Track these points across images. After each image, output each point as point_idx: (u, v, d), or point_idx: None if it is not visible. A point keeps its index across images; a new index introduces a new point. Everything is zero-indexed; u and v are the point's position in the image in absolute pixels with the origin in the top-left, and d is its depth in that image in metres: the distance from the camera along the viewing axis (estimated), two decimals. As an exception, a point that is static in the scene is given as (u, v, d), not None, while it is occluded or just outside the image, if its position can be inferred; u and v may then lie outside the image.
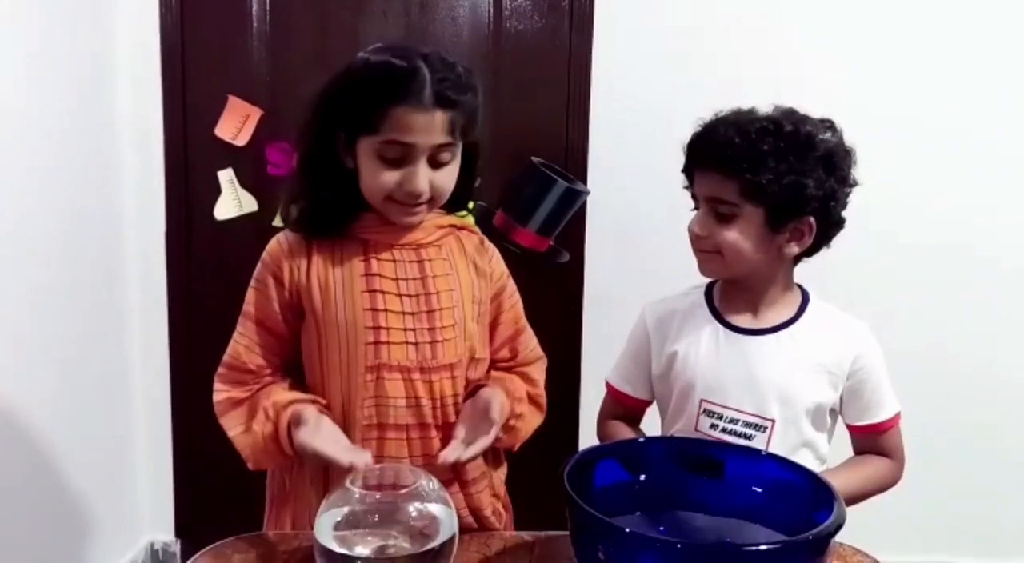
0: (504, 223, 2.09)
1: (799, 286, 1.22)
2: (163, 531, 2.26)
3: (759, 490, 0.92)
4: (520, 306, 1.24)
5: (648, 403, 1.30)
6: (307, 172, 1.10)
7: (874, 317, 1.23)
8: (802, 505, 0.85)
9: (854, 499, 1.11)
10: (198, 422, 2.13)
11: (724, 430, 1.15)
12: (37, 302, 1.75)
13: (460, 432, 1.08)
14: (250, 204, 2.11)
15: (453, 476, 1.12)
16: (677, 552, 0.76)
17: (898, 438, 1.20)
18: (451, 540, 0.89)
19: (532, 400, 1.22)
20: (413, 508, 0.90)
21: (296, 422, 1.03)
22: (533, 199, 2.07)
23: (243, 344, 1.12)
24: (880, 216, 1.91)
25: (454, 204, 1.16)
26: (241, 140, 2.08)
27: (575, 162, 2.09)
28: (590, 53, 2.05)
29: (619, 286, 2.07)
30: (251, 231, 2.07)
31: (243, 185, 2.11)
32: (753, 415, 1.14)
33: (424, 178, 1.05)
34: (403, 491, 0.90)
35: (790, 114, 1.12)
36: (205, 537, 1.09)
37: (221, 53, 2.07)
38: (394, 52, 1.05)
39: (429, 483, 0.91)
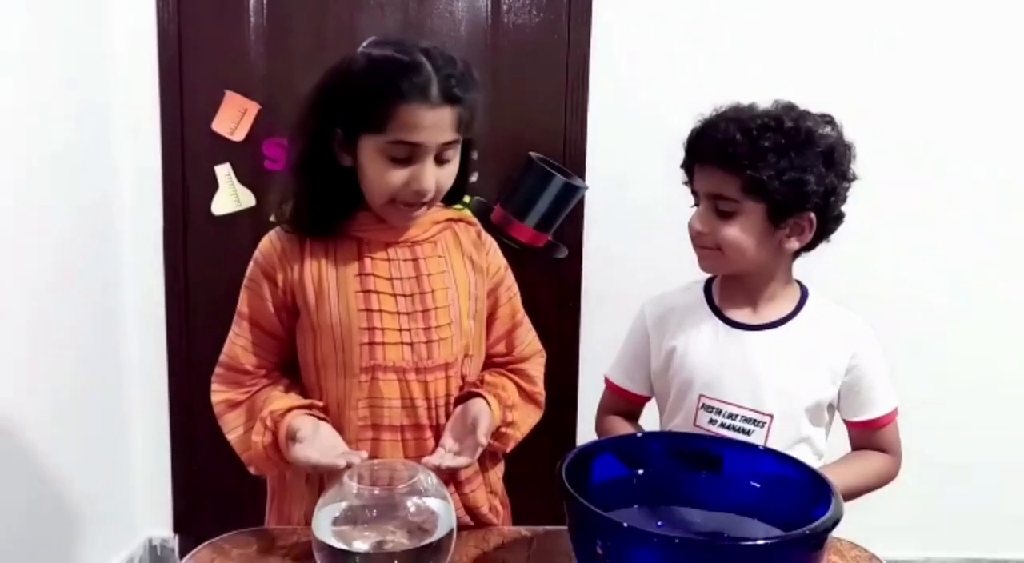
0: (502, 218, 2.09)
1: (798, 282, 1.22)
2: (161, 527, 2.26)
3: (757, 485, 0.92)
4: (518, 300, 1.23)
5: (647, 399, 1.30)
6: (303, 170, 1.07)
7: (872, 314, 1.23)
8: (800, 500, 0.85)
9: (851, 494, 1.11)
10: (196, 418, 2.13)
11: (723, 425, 1.16)
12: (34, 298, 1.74)
13: (447, 441, 1.08)
14: (247, 199, 2.11)
15: (448, 476, 1.11)
16: (675, 547, 0.76)
17: (895, 433, 1.20)
18: (449, 535, 0.89)
19: (530, 398, 1.21)
20: (411, 503, 0.90)
21: (292, 436, 1.02)
22: (531, 194, 2.07)
23: (239, 344, 1.11)
24: (879, 212, 1.91)
25: (450, 198, 1.15)
26: (238, 135, 2.08)
27: (573, 157, 2.09)
28: (588, 48, 2.05)
29: (617, 281, 2.07)
30: (248, 226, 2.07)
31: (240, 180, 2.10)
32: (751, 410, 1.15)
33: (432, 177, 1.03)
34: (401, 486, 0.90)
35: (790, 110, 1.12)
36: (203, 533, 1.09)
37: (218, 48, 2.06)
38: (395, 47, 1.02)
39: (427, 478, 0.91)
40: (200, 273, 2.14)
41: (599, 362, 1.36)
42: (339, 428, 1.09)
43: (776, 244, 1.13)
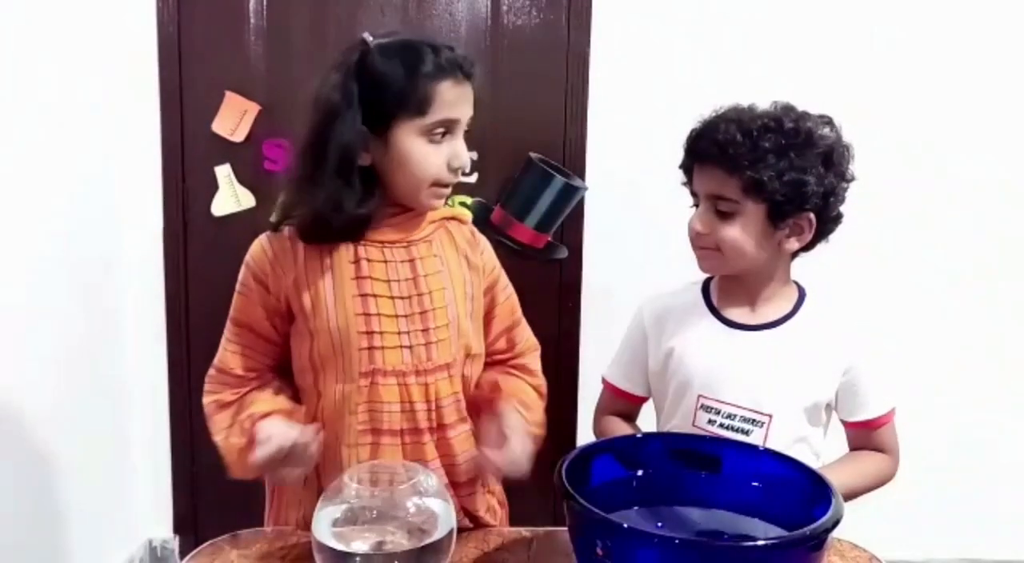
0: (502, 219, 2.09)
1: (795, 282, 1.22)
2: (162, 528, 2.26)
3: (757, 485, 0.91)
4: (515, 297, 1.23)
5: (645, 399, 1.30)
6: (326, 175, 1.01)
7: (871, 315, 1.23)
8: (800, 500, 0.85)
9: (850, 495, 1.11)
10: (196, 419, 2.11)
11: (721, 425, 1.16)
12: (35, 299, 1.74)
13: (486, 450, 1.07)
14: (248, 200, 2.11)
15: (447, 479, 1.11)
16: (675, 547, 0.76)
17: (893, 434, 1.20)
18: (449, 535, 0.89)
19: (535, 390, 1.21)
20: (411, 504, 0.89)
21: (257, 441, 1.00)
22: (531, 195, 2.07)
23: (231, 350, 1.10)
24: (878, 212, 1.91)
25: None
26: (238, 136, 2.08)
27: (573, 158, 2.09)
28: (588, 48, 2.05)
29: (617, 282, 2.07)
30: (248, 227, 2.06)
31: (240, 181, 2.10)
32: (750, 410, 1.14)
33: (466, 151, 1.06)
34: (401, 487, 0.90)
35: (790, 111, 1.12)
36: (203, 534, 1.09)
37: (218, 49, 2.07)
38: (398, 37, 1.04)
39: (427, 479, 0.91)
40: (200, 274, 2.14)
41: (599, 362, 1.36)
42: (338, 432, 1.08)
43: (775, 244, 1.13)
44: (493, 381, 1.17)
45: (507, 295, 1.22)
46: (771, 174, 1.06)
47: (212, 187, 2.11)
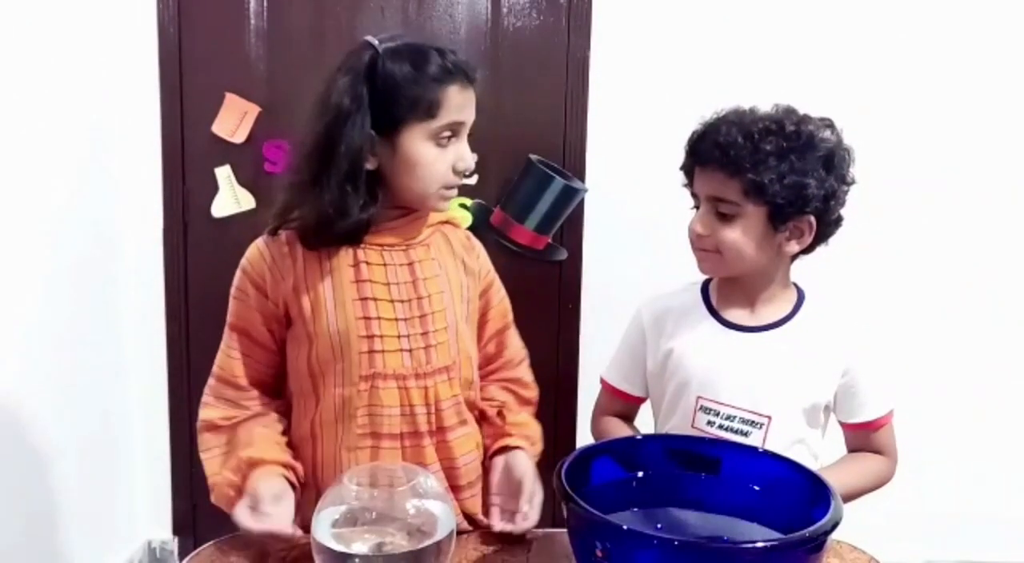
0: (502, 221, 2.09)
1: (795, 284, 1.22)
2: (161, 529, 2.25)
3: (756, 487, 0.91)
4: (507, 301, 1.23)
5: (643, 400, 1.30)
6: (332, 179, 1.01)
7: (870, 316, 1.23)
8: (799, 502, 0.85)
9: (849, 497, 1.11)
10: (195, 420, 2.11)
11: (721, 426, 1.16)
12: (34, 300, 1.74)
13: (495, 499, 1.09)
14: (248, 202, 2.11)
15: (447, 482, 1.12)
16: (674, 549, 0.76)
17: (891, 436, 1.21)
18: (449, 537, 0.89)
19: (528, 402, 1.23)
20: (411, 505, 0.89)
21: (252, 495, 1.00)
22: (531, 197, 2.07)
23: (233, 356, 1.09)
24: (878, 214, 1.91)
25: None
26: (239, 137, 2.08)
27: (573, 160, 2.09)
28: (588, 50, 2.05)
29: (617, 284, 2.07)
30: (248, 228, 2.05)
31: (240, 182, 2.10)
32: (749, 411, 1.15)
33: (471, 153, 1.07)
34: (401, 488, 0.90)
35: (791, 113, 1.12)
36: (202, 535, 1.09)
37: (218, 50, 2.07)
38: (405, 39, 1.05)
39: (426, 480, 0.91)
40: (200, 275, 2.14)
41: (599, 364, 1.36)
42: (336, 436, 1.08)
43: (775, 247, 1.13)
44: (499, 409, 1.18)
45: (500, 298, 1.22)
46: (772, 177, 1.06)
47: (212, 188, 2.11)
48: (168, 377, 2.19)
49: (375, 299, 1.07)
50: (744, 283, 1.18)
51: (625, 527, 0.76)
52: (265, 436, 1.08)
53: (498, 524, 1.06)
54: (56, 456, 1.83)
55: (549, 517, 1.06)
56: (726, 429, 1.15)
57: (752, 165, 1.07)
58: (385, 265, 1.08)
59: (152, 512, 2.23)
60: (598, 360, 1.38)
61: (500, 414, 1.18)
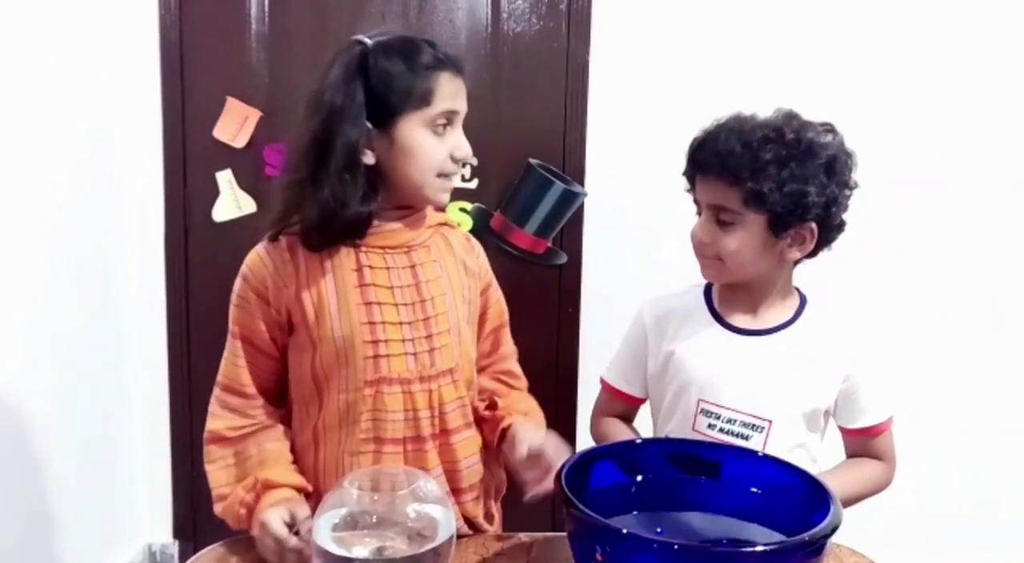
0: (502, 225, 2.10)
1: (796, 288, 1.22)
2: (161, 532, 2.25)
3: (756, 491, 0.92)
4: (503, 299, 1.25)
5: (642, 401, 1.30)
6: (331, 174, 1.01)
7: (870, 319, 1.24)
8: (799, 506, 0.85)
9: (847, 502, 1.11)
10: (196, 423, 2.12)
11: (721, 430, 1.16)
12: (36, 303, 1.74)
13: (527, 477, 1.08)
14: (249, 206, 2.11)
15: (449, 485, 1.12)
16: (674, 553, 0.76)
17: (890, 441, 1.21)
18: (449, 541, 0.89)
19: (519, 391, 1.24)
20: (411, 509, 0.90)
21: (291, 523, 1.00)
22: (531, 201, 2.08)
23: (239, 364, 1.09)
24: (880, 219, 1.91)
25: None
26: (240, 142, 2.08)
27: (573, 164, 2.09)
28: (588, 55, 2.05)
29: (617, 288, 2.07)
30: (250, 233, 2.04)
31: (242, 187, 2.11)
32: (750, 415, 1.15)
33: (467, 143, 1.08)
34: (401, 492, 0.90)
35: (791, 119, 1.11)
36: (203, 538, 1.09)
37: (220, 55, 2.07)
38: (394, 33, 1.07)
39: (427, 484, 0.91)
40: (201, 279, 2.14)
41: (599, 368, 1.36)
42: (339, 441, 1.08)
43: (777, 254, 1.13)
44: (489, 397, 1.19)
45: (497, 297, 1.23)
46: (771, 185, 1.06)
47: (213, 192, 2.11)
48: (169, 380, 2.19)
49: (379, 303, 1.07)
50: (746, 287, 1.18)
51: (625, 531, 0.76)
52: (278, 457, 1.08)
53: (529, 494, 1.05)
54: (56, 459, 1.82)
55: (549, 521, 1.06)
56: (727, 432, 1.15)
57: (751, 174, 1.06)
58: (388, 268, 1.08)
59: (152, 515, 2.23)
60: (598, 364, 1.38)
61: (491, 406, 1.18)
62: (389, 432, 1.08)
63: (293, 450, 1.12)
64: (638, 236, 2.09)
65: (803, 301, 1.21)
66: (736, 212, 1.10)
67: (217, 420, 1.10)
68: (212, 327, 1.22)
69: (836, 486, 0.87)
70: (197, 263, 2.14)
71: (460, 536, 1.01)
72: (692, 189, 1.17)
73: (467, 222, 2.09)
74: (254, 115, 2.07)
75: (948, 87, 2.04)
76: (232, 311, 1.10)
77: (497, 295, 1.23)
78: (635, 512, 0.91)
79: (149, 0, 2.02)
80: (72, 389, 1.89)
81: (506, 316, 1.25)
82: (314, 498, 1.08)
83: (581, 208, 2.10)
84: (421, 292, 1.09)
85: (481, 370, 1.23)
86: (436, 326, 1.09)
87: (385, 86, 1.02)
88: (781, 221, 1.09)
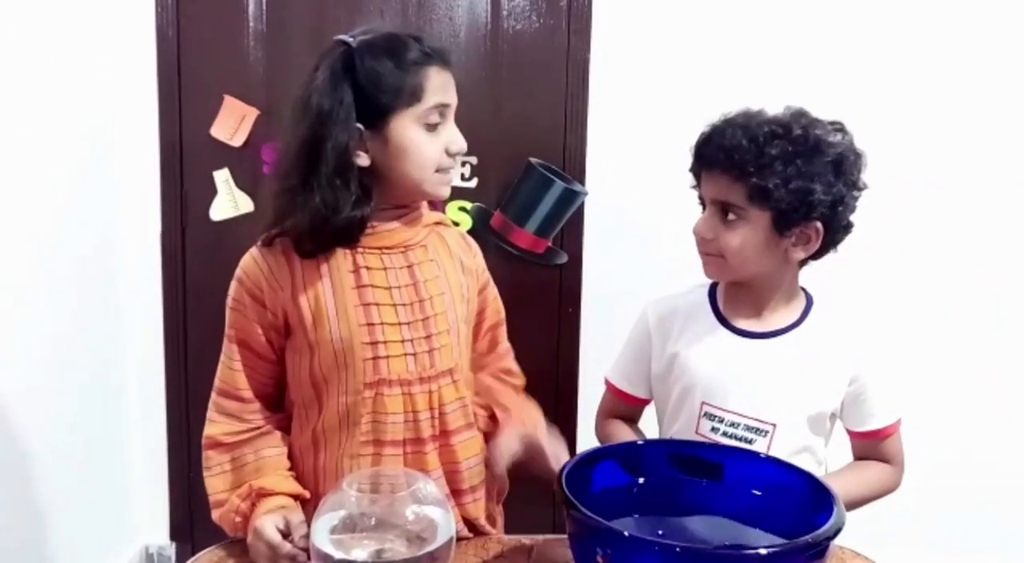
0: (502, 224, 2.09)
1: (803, 289, 1.20)
2: (158, 534, 2.25)
3: (759, 493, 0.91)
4: (499, 298, 1.24)
5: (647, 402, 1.29)
6: (323, 178, 1.00)
7: (877, 321, 1.23)
8: (802, 508, 0.84)
9: (853, 504, 1.10)
10: (193, 424, 2.12)
11: (725, 433, 1.14)
12: (32, 304, 1.74)
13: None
14: (246, 205, 2.10)
15: (449, 487, 1.11)
16: (676, 555, 0.76)
17: (898, 444, 1.19)
18: (448, 544, 0.88)
19: (517, 390, 1.24)
20: (410, 511, 0.89)
21: (285, 528, 1.00)
22: (531, 200, 2.07)
23: (235, 368, 1.08)
24: (887, 219, 1.90)
25: None
26: (237, 141, 2.08)
27: (573, 163, 2.09)
28: (588, 54, 2.05)
29: (617, 287, 2.07)
30: (247, 232, 2.04)
31: (239, 186, 2.10)
32: (754, 419, 1.13)
33: (461, 136, 1.07)
34: (400, 494, 0.89)
35: (800, 117, 1.09)
36: (200, 541, 1.09)
37: (217, 53, 2.06)
38: (378, 31, 1.05)
39: (426, 487, 0.91)
40: (198, 278, 2.14)
41: (599, 368, 1.35)
42: (339, 444, 1.07)
43: (781, 253, 1.11)
44: (488, 407, 1.18)
45: (494, 295, 1.23)
46: (777, 181, 1.04)
47: (211, 191, 2.10)
48: (166, 381, 2.18)
49: (377, 304, 1.06)
50: (751, 288, 1.16)
51: (626, 533, 0.75)
52: (275, 465, 1.08)
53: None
54: (53, 461, 1.82)
55: (550, 523, 1.06)
56: (730, 436, 1.14)
57: (757, 169, 1.05)
58: (385, 269, 1.07)
59: (149, 517, 2.23)
60: (598, 364, 1.37)
61: (491, 417, 1.17)
62: (389, 434, 1.07)
63: (292, 454, 1.11)
64: (639, 235, 2.08)
65: (809, 303, 1.19)
66: (740, 208, 1.08)
67: (214, 425, 1.09)
68: (209, 326, 1.21)
69: (840, 488, 0.86)
70: (194, 262, 2.14)
71: (460, 538, 1.00)
72: (698, 185, 1.16)
73: (467, 221, 2.08)
74: (252, 114, 2.07)
75: (956, 88, 2.03)
76: (228, 314, 1.09)
77: (494, 293, 1.23)
78: (636, 514, 0.91)
79: (146, -2, 2.02)
80: (68, 389, 1.89)
81: (503, 314, 1.25)
82: (313, 502, 1.07)
83: (581, 207, 2.09)
84: (419, 292, 1.08)
85: (480, 368, 1.22)
86: (435, 326, 1.09)
87: (374, 86, 1.01)
88: (786, 219, 1.07)
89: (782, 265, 1.14)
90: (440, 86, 1.03)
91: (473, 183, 2.08)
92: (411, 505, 0.89)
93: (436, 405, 1.09)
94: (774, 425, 1.13)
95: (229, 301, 1.09)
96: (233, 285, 1.09)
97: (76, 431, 1.92)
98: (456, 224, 1.23)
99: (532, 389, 1.27)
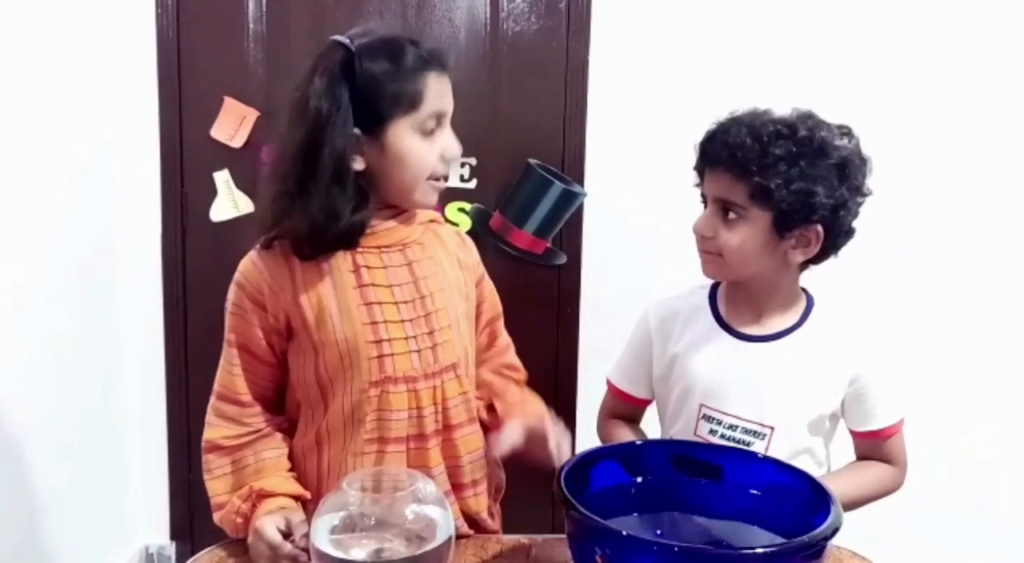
0: (501, 225, 2.09)
1: (804, 290, 1.20)
2: (158, 534, 2.25)
3: (757, 493, 0.91)
4: (495, 292, 1.24)
5: (648, 402, 1.29)
6: (320, 183, 0.99)
7: (879, 320, 1.22)
8: (800, 508, 0.84)
9: (854, 504, 1.10)
10: (193, 424, 2.12)
11: (723, 436, 1.14)
12: (33, 303, 1.74)
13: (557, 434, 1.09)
14: (246, 206, 2.10)
15: (450, 481, 1.11)
16: (674, 555, 0.76)
17: (901, 444, 1.18)
18: (447, 543, 0.89)
19: (520, 385, 1.24)
20: (410, 511, 0.89)
21: (287, 528, 1.00)
22: (530, 201, 2.07)
23: (235, 372, 1.08)
24: (890, 220, 1.90)
25: None
26: (237, 142, 2.08)
27: (572, 164, 2.09)
28: (587, 55, 2.05)
29: (616, 288, 2.07)
30: (247, 233, 2.06)
31: (239, 187, 2.10)
32: (753, 422, 1.13)
33: (456, 141, 1.07)
34: (399, 494, 0.89)
35: (806, 118, 1.09)
36: (200, 540, 1.09)
37: (217, 54, 2.06)
38: (376, 34, 1.04)
39: (426, 486, 0.91)
40: (198, 278, 2.14)
41: (598, 369, 1.36)
42: (343, 442, 1.08)
43: (780, 255, 1.11)
44: (487, 398, 1.18)
45: (491, 289, 1.23)
46: (779, 182, 1.04)
47: (211, 192, 2.10)
48: (166, 380, 2.18)
49: (379, 303, 1.06)
50: (751, 290, 1.16)
51: (625, 533, 0.75)
52: (275, 466, 1.08)
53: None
54: (53, 460, 1.82)
55: (549, 522, 1.06)
56: (728, 438, 1.14)
57: (759, 168, 1.04)
58: (385, 267, 1.07)
59: (149, 517, 2.23)
60: (597, 364, 1.37)
61: (490, 409, 1.17)
62: (392, 431, 1.07)
63: (295, 454, 1.11)
64: (638, 236, 2.08)
65: (809, 305, 1.18)
66: (741, 207, 1.08)
67: (213, 429, 1.09)
68: (209, 327, 1.21)
69: (839, 488, 0.87)
70: (194, 263, 2.14)
71: (460, 537, 1.01)
72: (701, 183, 1.15)
73: (466, 222, 2.09)
74: (252, 115, 2.07)
75: (964, 90, 2.03)
76: (228, 319, 1.09)
77: (490, 287, 1.23)
78: (635, 514, 0.91)
79: (146, -1, 2.02)
80: (68, 389, 1.89)
81: (499, 308, 1.25)
82: (316, 501, 1.07)
83: (580, 208, 2.10)
84: (420, 289, 1.08)
85: (481, 364, 1.22)
86: (437, 322, 1.09)
87: (372, 91, 1.00)
88: (786, 220, 1.06)
89: (781, 267, 1.13)
90: (438, 93, 1.03)
91: (472, 184, 2.08)
92: (410, 504, 0.89)
93: (440, 400, 1.09)
94: (772, 428, 1.13)
95: (229, 305, 1.08)
96: (232, 289, 1.08)
97: (76, 431, 1.92)
98: (455, 225, 1.23)
99: (531, 389, 1.27)
